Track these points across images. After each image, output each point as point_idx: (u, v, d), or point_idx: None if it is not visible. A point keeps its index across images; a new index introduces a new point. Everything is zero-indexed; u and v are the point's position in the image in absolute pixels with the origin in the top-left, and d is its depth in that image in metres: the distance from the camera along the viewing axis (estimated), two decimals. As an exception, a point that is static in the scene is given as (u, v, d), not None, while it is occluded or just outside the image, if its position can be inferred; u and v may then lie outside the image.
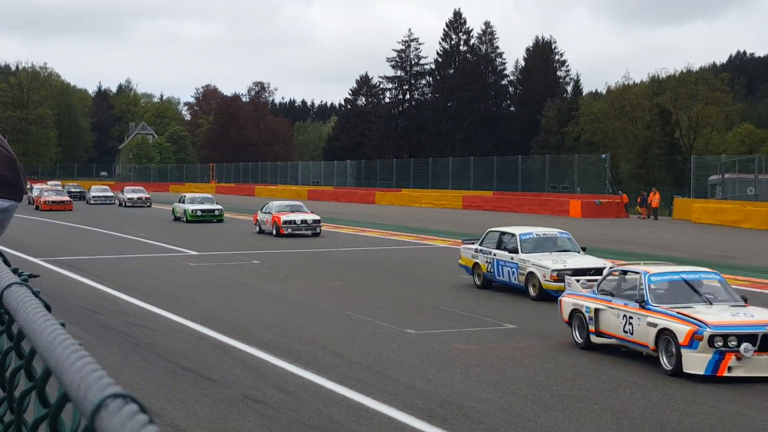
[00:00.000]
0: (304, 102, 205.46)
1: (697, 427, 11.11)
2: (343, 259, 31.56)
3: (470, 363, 14.57)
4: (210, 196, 58.59)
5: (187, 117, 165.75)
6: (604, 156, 73.70)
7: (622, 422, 11.27)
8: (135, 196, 71.49)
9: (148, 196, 72.58)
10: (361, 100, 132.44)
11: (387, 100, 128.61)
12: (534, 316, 19.25)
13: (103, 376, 1.40)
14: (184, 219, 50.68)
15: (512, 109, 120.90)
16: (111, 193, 76.90)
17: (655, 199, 59.52)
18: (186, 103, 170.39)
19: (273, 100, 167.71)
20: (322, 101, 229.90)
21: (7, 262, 2.87)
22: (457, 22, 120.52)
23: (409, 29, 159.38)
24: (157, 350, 15.38)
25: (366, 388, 12.80)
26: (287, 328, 17.60)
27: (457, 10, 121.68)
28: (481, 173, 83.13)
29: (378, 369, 14.11)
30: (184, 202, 52.40)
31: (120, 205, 71.71)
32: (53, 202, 65.52)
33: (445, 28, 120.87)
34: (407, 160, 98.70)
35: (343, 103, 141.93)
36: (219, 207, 52.30)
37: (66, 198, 68.81)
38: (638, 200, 62.69)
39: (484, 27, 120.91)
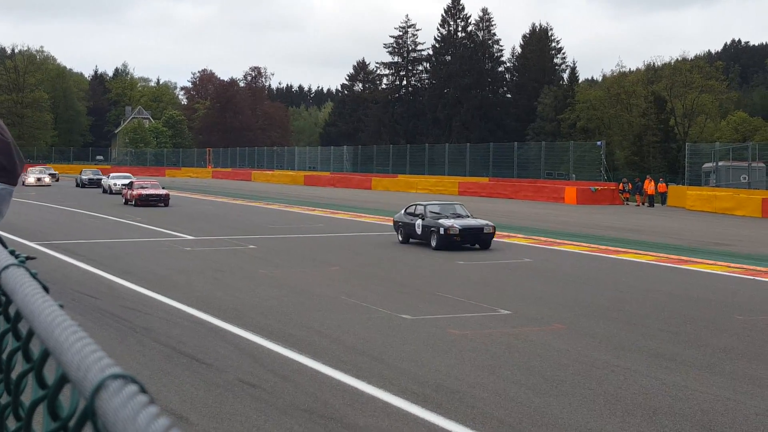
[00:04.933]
0: (301, 87, 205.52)
1: (688, 412, 11.17)
2: (339, 244, 31.59)
3: (465, 348, 14.62)
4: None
5: (184, 101, 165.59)
6: (599, 143, 73.79)
7: (614, 407, 11.33)
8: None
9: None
10: (358, 86, 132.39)
11: (384, 85, 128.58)
12: (529, 302, 19.31)
13: (103, 357, 1.42)
14: None
15: (509, 95, 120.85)
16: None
17: (650, 186, 59.60)
18: (182, 88, 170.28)
19: (269, 85, 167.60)
20: (318, 86, 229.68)
21: (4, 244, 2.89)
22: (455, 9, 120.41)
23: (407, 15, 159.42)
24: (153, 334, 15.42)
25: (361, 373, 12.85)
26: (283, 312, 17.64)
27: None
28: (478, 159, 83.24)
29: (373, 354, 14.15)
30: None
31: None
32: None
33: (443, 15, 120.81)
34: (404, 146, 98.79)
35: (339, 88, 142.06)
36: None
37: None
38: (620, 187, 62.67)
39: (481, 14, 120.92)
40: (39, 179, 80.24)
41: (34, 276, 2.25)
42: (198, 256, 27.70)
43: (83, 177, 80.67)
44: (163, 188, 51.44)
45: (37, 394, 1.83)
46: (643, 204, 59.71)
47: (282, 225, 39.16)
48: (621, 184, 63.01)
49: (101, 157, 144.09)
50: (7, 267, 2.33)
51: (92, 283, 21.49)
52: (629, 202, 61.40)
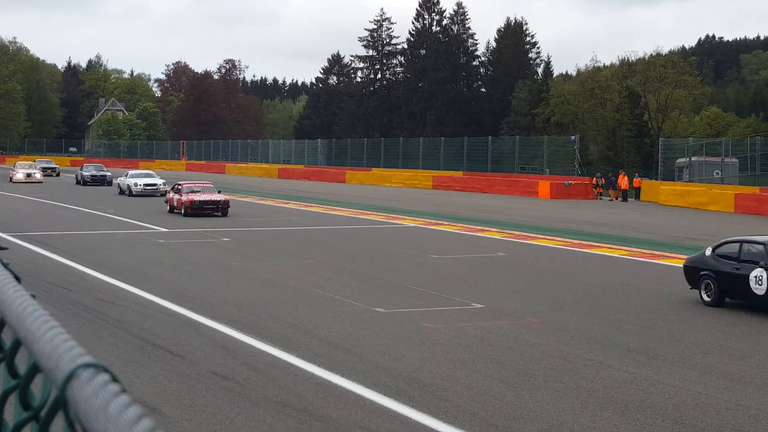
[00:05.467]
0: (275, 80, 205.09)
1: (660, 406, 11.24)
2: (312, 237, 31.56)
3: (438, 342, 14.65)
4: None
5: (158, 94, 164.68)
6: (573, 138, 73.96)
7: (586, 401, 11.38)
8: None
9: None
10: (333, 79, 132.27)
11: (359, 79, 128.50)
12: (502, 296, 19.36)
13: (75, 347, 1.42)
14: None
15: (483, 90, 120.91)
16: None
17: (624, 181, 59.81)
18: (156, 80, 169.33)
19: (244, 78, 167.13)
20: (293, 79, 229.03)
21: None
22: (429, 3, 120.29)
23: (381, 8, 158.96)
24: (126, 326, 15.37)
25: (334, 366, 12.85)
26: (256, 305, 17.61)
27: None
28: (452, 153, 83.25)
29: (346, 347, 14.16)
30: None
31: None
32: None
33: (418, 8, 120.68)
34: (378, 139, 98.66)
35: (314, 81, 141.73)
36: None
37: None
38: (593, 181, 62.81)
39: (456, 7, 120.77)
40: (29, 175, 68.21)
41: (5, 266, 2.24)
42: (172, 248, 27.61)
43: (84, 173, 67.53)
44: (219, 192, 40.79)
45: (9, 384, 1.82)
46: (616, 198, 59.92)
47: (256, 218, 39.08)
48: (594, 179, 63.22)
49: (74, 149, 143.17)
50: (-22, 257, 2.32)
51: (65, 275, 21.38)
52: (602, 197, 61.60)
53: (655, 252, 28.17)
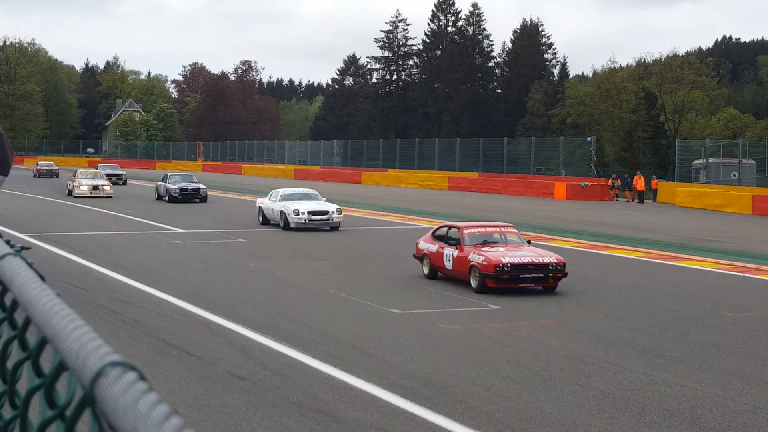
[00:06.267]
0: (291, 81, 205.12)
1: (677, 408, 11.21)
2: (328, 238, 31.56)
3: (454, 343, 14.64)
4: None
5: (175, 95, 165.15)
6: (589, 139, 73.79)
7: (603, 403, 11.36)
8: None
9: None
10: (349, 80, 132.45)
11: (374, 80, 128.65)
12: (518, 297, 19.32)
13: (102, 345, 1.43)
14: None
15: (499, 91, 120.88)
16: None
17: (640, 182, 59.65)
18: (173, 81, 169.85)
19: (260, 79, 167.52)
20: (309, 80, 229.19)
21: (-1, 235, 2.89)
22: (445, 4, 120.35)
23: (397, 9, 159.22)
24: (143, 327, 15.41)
25: (350, 367, 12.86)
26: (272, 306, 17.64)
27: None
28: (467, 155, 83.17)
29: (362, 348, 14.16)
30: None
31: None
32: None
33: (434, 9, 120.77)
34: (394, 140, 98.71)
35: (330, 82, 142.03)
36: None
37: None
38: (609, 183, 62.66)
39: (471, 8, 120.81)
40: (96, 187, 53.24)
41: (30, 265, 2.26)
42: (188, 249, 27.68)
43: (171, 185, 50.30)
44: (529, 242, 22.08)
45: (33, 383, 1.83)
46: (632, 200, 59.76)
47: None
48: (611, 180, 63.10)
49: (92, 150, 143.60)
50: (3, 256, 2.33)
51: (83, 275, 21.46)
52: (619, 198, 61.47)
53: (672, 254, 28.08)
